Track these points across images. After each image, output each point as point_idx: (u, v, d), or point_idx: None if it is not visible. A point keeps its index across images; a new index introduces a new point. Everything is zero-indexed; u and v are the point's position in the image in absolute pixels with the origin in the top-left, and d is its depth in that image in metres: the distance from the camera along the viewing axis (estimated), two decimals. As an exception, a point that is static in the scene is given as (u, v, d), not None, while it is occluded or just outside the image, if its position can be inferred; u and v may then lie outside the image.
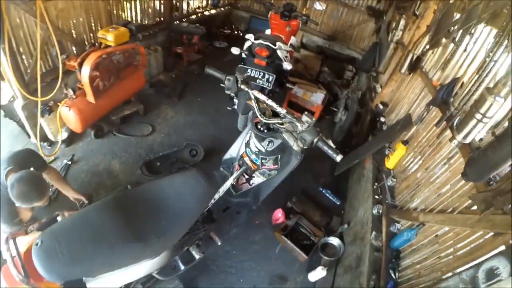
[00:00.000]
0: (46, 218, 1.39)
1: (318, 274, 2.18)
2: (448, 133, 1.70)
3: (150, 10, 4.05)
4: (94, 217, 1.27)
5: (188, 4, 4.97)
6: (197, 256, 1.79)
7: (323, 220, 2.63)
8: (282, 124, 1.53)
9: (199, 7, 5.31)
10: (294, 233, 2.47)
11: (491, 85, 1.41)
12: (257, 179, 1.94)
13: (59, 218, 1.38)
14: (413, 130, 2.30)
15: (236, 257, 2.33)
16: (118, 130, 3.13)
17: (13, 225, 1.73)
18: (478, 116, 1.33)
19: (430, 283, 1.44)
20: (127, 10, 3.62)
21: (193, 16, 5.14)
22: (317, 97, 3.68)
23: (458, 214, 1.49)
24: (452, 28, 2.03)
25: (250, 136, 1.79)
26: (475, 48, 1.91)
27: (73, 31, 2.85)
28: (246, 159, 1.85)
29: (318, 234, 2.46)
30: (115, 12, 3.35)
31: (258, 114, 1.55)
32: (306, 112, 1.41)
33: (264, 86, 2.78)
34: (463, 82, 1.84)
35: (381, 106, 3.08)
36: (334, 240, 2.39)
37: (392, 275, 1.72)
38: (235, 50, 2.72)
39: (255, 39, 2.73)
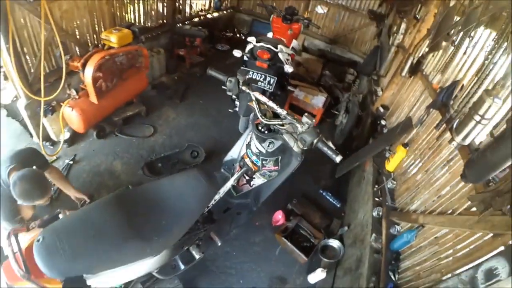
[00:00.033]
0: (48, 215, 1.40)
1: (318, 276, 2.18)
2: (447, 135, 1.70)
3: (153, 13, 4.10)
4: (96, 215, 1.28)
5: (191, 7, 5.02)
6: (197, 256, 1.79)
7: (323, 222, 2.63)
8: (282, 125, 1.54)
9: (201, 10, 5.36)
10: (294, 235, 2.47)
11: (490, 87, 1.42)
12: (258, 181, 1.95)
13: (60, 216, 1.40)
14: (413, 133, 2.30)
15: (236, 258, 2.33)
16: (120, 131, 3.15)
17: (14, 223, 1.73)
18: (477, 117, 1.33)
19: (429, 285, 1.44)
20: (130, 12, 3.67)
21: (196, 19, 5.19)
22: (318, 100, 3.71)
23: (457, 216, 1.50)
24: (452, 31, 2.05)
25: (251, 137, 1.80)
26: (475, 51, 1.92)
27: (76, 32, 2.89)
28: (247, 160, 1.86)
29: (318, 236, 2.47)
30: (118, 14, 3.39)
31: (259, 115, 1.56)
32: (306, 114, 1.42)
33: (266, 89, 2.79)
34: (463, 85, 1.84)
35: (381, 109, 3.08)
36: (334, 242, 2.39)
37: (392, 277, 1.72)
38: (237, 53, 2.73)
39: (257, 42, 2.74)
